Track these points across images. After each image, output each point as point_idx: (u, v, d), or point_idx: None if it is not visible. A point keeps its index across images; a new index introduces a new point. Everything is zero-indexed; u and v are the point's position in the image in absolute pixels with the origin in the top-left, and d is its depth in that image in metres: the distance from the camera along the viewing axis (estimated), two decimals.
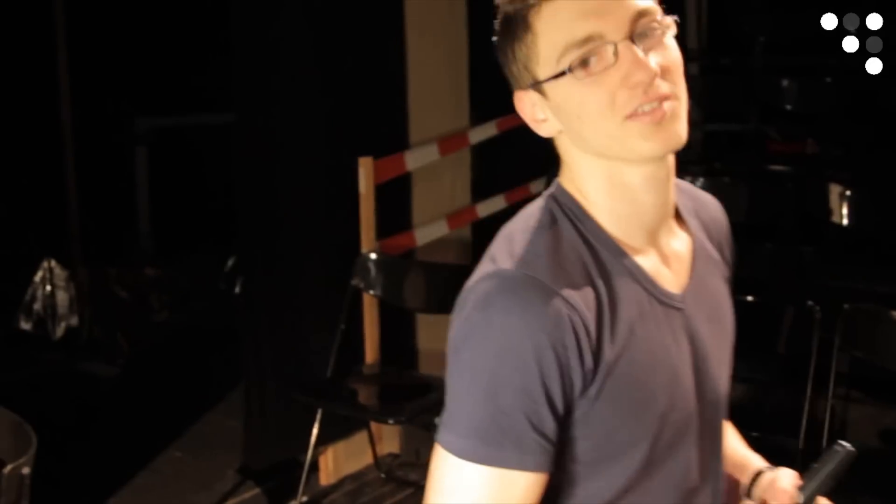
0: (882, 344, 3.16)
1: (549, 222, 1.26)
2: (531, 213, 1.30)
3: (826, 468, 1.38)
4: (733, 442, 1.54)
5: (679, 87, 1.22)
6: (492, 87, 5.17)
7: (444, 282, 3.92)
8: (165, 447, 4.29)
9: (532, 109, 1.28)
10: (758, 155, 5.63)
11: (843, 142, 5.76)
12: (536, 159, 5.08)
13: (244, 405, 3.99)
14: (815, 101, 5.63)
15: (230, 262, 5.67)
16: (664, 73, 1.20)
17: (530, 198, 5.11)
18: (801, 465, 3.14)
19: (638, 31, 1.19)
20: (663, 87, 1.20)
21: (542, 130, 1.29)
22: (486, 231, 4.78)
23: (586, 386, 1.18)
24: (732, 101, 5.82)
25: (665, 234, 1.32)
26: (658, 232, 1.30)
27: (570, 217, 1.27)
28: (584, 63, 1.19)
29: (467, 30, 4.69)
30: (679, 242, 1.34)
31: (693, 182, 4.73)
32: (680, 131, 1.22)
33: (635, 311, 1.23)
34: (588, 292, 1.19)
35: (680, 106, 1.22)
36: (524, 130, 5.03)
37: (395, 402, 3.74)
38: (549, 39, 1.21)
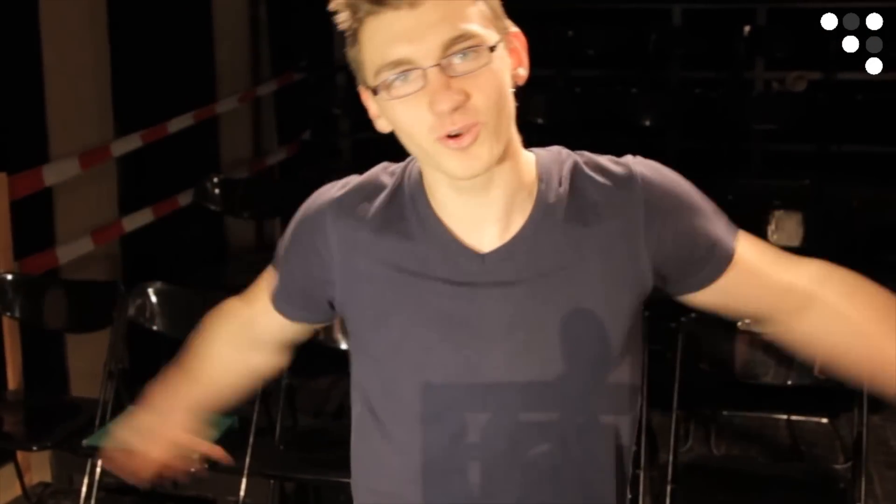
0: None
1: (380, 169, 1.45)
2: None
3: None
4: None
5: (487, 113, 1.25)
6: (136, 98, 5.09)
7: (90, 299, 3.79)
8: None
9: (370, 105, 1.34)
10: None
11: None
12: (184, 171, 5.08)
13: None
14: None
15: None
16: (470, 99, 1.23)
17: (179, 210, 5.06)
18: None
19: (451, 55, 1.23)
20: (468, 114, 1.23)
21: (378, 124, 1.35)
22: (134, 245, 4.69)
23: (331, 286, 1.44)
24: None
25: (491, 224, 1.36)
26: (481, 222, 1.35)
27: (404, 175, 1.41)
28: (389, 86, 1.25)
29: (109, 39, 4.56)
30: (512, 225, 1.36)
31: None
32: (484, 155, 1.26)
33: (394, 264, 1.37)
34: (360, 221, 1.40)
35: (485, 130, 1.25)
36: (170, 142, 4.97)
37: (40, 427, 3.57)
38: (369, 55, 1.27)
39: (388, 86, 1.25)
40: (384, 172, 1.44)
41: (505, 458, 1.37)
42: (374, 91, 1.27)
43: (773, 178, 5.56)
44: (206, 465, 1.66)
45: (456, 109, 1.23)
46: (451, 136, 1.24)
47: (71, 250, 4.24)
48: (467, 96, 1.23)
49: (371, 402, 1.43)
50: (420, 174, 1.39)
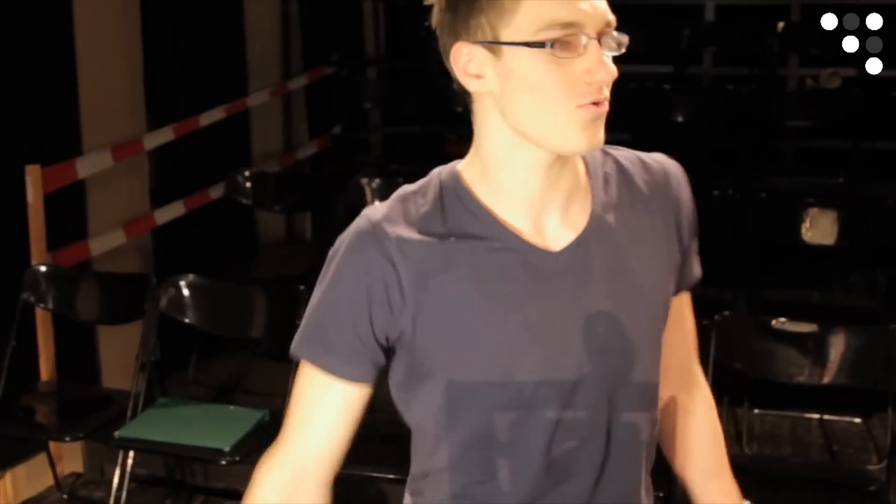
0: None
1: (419, 187, 1.37)
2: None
3: None
4: (703, 448, 1.57)
5: (608, 98, 1.30)
6: (168, 91, 5.12)
7: (122, 291, 3.82)
8: None
9: (467, 63, 1.28)
10: (435, 156, 5.82)
11: None
12: (215, 164, 5.09)
13: None
14: None
15: None
16: (610, 81, 1.28)
17: (210, 203, 5.09)
18: None
19: (604, 35, 1.27)
20: (606, 92, 1.28)
21: (471, 85, 1.30)
22: (166, 237, 4.71)
23: (398, 318, 1.32)
24: (411, 105, 5.99)
25: (553, 215, 1.35)
26: (544, 212, 1.34)
27: (443, 186, 1.36)
28: (564, 44, 1.24)
29: (141, 33, 4.59)
30: (572, 219, 1.36)
31: (369, 183, 4.83)
32: (602, 135, 1.30)
33: (477, 274, 1.32)
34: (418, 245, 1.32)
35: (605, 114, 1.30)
36: (202, 135, 4.98)
37: (73, 418, 3.60)
38: (532, 9, 1.24)
39: (564, 44, 1.24)
40: (408, 192, 1.38)
41: (602, 454, 1.36)
42: (532, 45, 1.24)
43: (807, 175, 5.51)
44: None
45: (604, 85, 1.27)
46: (594, 104, 1.27)
47: (103, 242, 4.27)
48: (612, 76, 1.28)
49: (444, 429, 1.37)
50: (457, 176, 1.36)
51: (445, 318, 1.31)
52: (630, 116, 5.74)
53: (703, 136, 5.95)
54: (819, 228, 4.23)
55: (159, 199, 4.69)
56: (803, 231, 4.21)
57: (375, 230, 1.32)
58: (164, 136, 4.64)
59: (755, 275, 4.33)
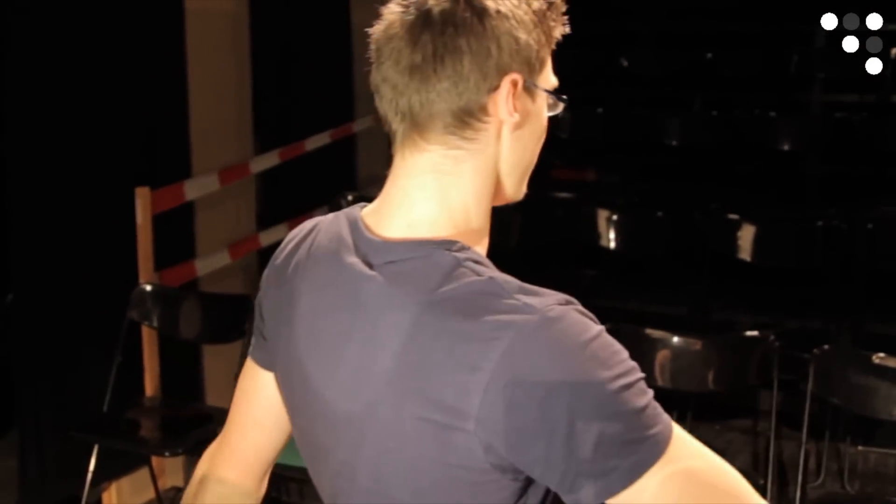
0: (638, 360, 3.36)
1: (480, 268, 1.16)
2: (450, 278, 1.15)
3: None
4: None
5: None
6: (275, 116, 5.23)
7: (224, 312, 3.91)
8: None
9: (515, 94, 1.22)
10: (542, 181, 5.83)
11: (619, 170, 6.06)
12: (320, 188, 5.19)
13: (19, 443, 3.85)
14: (589, 130, 5.91)
15: (8, 298, 5.43)
16: None
17: None
18: None
19: None
20: None
21: (508, 117, 1.22)
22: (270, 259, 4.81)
23: None
24: None
25: None
26: None
27: (478, 260, 1.18)
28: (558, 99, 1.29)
29: (251, 57, 4.71)
30: None
31: None
32: None
33: None
34: None
35: None
36: (306, 160, 5.08)
37: (175, 434, 3.70)
38: (548, 67, 1.27)
39: (563, 100, 1.28)
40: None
41: None
42: (561, 98, 1.27)
43: None
44: None
45: None
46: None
47: (209, 263, 4.38)
48: None
49: None
50: (480, 255, 1.22)
51: None
52: (732, 144, 5.70)
53: (811, 165, 5.84)
54: None
55: (265, 221, 4.80)
56: None
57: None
58: (271, 160, 4.75)
59: (860, 307, 4.22)
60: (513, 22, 1.20)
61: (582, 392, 1.07)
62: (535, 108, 1.25)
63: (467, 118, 1.20)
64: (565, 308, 1.11)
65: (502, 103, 1.21)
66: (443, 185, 1.22)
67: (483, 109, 1.21)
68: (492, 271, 1.16)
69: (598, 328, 1.11)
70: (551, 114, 1.28)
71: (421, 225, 1.21)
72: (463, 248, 1.18)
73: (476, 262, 1.16)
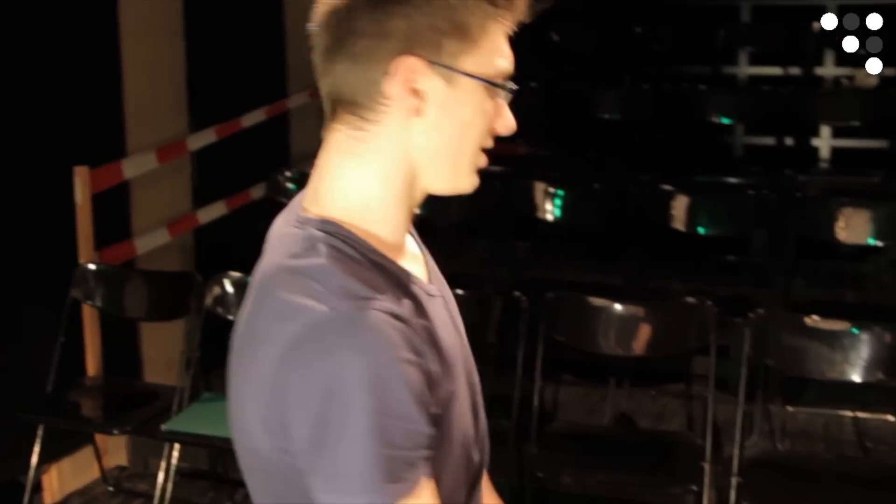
0: (579, 328, 3.45)
1: (328, 251, 1.17)
2: (299, 252, 1.18)
3: None
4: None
5: None
6: (210, 93, 5.20)
7: (166, 289, 3.92)
8: None
9: (413, 78, 1.19)
10: None
11: (551, 144, 6.13)
12: (256, 165, 5.17)
13: None
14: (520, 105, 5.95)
15: None
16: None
17: (251, 203, 5.16)
18: (515, 444, 3.36)
19: None
20: None
21: (406, 101, 1.20)
22: (207, 237, 4.80)
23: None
24: None
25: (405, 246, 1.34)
26: (400, 252, 1.30)
27: (343, 241, 1.19)
28: (499, 88, 1.25)
29: (184, 35, 4.68)
30: (410, 241, 1.36)
31: None
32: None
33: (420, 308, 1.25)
34: (405, 301, 1.20)
35: None
36: (243, 137, 5.06)
37: (119, 412, 3.70)
38: (489, 49, 1.22)
39: (501, 86, 1.25)
40: (334, 265, 1.16)
41: None
42: (494, 84, 1.23)
43: (842, 174, 5.52)
44: None
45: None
46: (485, 151, 1.28)
47: (148, 241, 4.37)
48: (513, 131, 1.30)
49: None
50: (352, 238, 1.21)
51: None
52: (666, 117, 5.81)
53: (739, 136, 5.98)
54: (854, 227, 4.25)
55: (202, 198, 4.78)
56: (837, 230, 4.23)
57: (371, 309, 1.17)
58: (207, 137, 4.73)
59: (789, 274, 4.35)
60: (417, 4, 1.18)
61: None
62: (456, 93, 1.21)
63: (364, 99, 1.20)
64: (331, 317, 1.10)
65: (397, 86, 1.19)
66: (343, 164, 1.24)
67: (380, 92, 1.19)
68: (339, 258, 1.16)
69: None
70: (497, 99, 1.25)
71: (323, 200, 1.24)
72: (336, 230, 1.19)
73: (336, 247, 1.17)
